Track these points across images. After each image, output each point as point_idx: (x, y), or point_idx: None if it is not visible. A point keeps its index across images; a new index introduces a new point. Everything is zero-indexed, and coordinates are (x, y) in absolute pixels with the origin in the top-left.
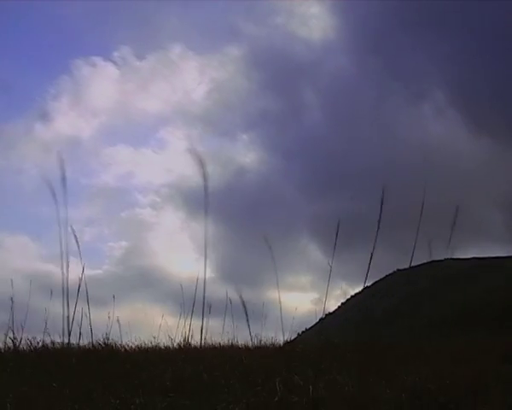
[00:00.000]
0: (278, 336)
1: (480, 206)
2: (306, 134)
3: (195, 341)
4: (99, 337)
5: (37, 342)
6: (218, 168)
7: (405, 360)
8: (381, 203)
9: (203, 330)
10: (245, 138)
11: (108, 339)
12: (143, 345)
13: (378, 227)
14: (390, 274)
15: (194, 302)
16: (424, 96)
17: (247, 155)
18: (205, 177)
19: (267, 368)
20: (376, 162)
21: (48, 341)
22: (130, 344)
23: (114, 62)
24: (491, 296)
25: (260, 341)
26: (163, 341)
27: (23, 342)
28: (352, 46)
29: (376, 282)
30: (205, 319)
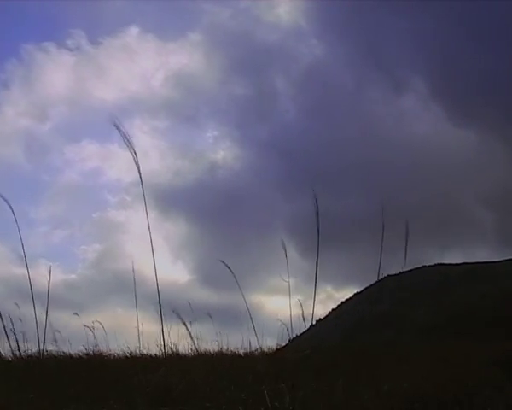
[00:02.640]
0: (265, 342)
1: (469, 206)
2: (280, 127)
3: (182, 347)
4: (81, 345)
5: (23, 351)
6: (187, 164)
7: (395, 365)
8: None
9: (189, 337)
10: (215, 132)
11: (95, 346)
12: (129, 353)
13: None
14: (380, 280)
15: (176, 308)
16: (405, 86)
17: (217, 149)
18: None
19: (255, 377)
20: (356, 159)
21: (30, 349)
22: (116, 352)
23: (68, 49)
24: (481, 302)
25: (246, 348)
26: (149, 348)
27: (7, 350)
28: (326, 31)
29: (367, 287)
30: (189, 325)
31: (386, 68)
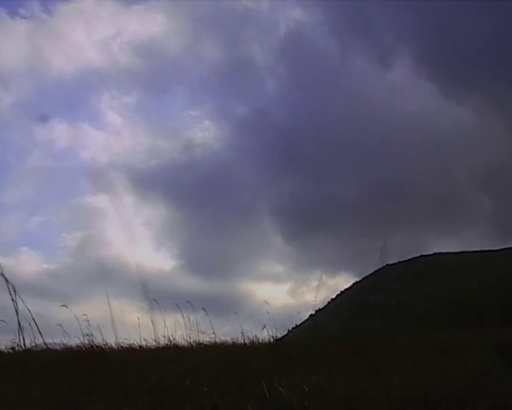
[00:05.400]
0: (259, 331)
1: (465, 189)
2: (260, 102)
3: (178, 338)
4: (74, 336)
5: (17, 344)
6: (161, 143)
7: (395, 356)
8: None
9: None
10: (189, 108)
11: (93, 339)
12: (125, 345)
13: None
14: (379, 269)
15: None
16: (394, 56)
17: (193, 126)
18: None
19: (256, 368)
20: (345, 138)
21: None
22: (112, 343)
23: (23, 17)
24: (479, 290)
25: (244, 338)
26: (144, 340)
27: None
28: None
29: (366, 277)
30: (183, 314)
31: (373, 36)
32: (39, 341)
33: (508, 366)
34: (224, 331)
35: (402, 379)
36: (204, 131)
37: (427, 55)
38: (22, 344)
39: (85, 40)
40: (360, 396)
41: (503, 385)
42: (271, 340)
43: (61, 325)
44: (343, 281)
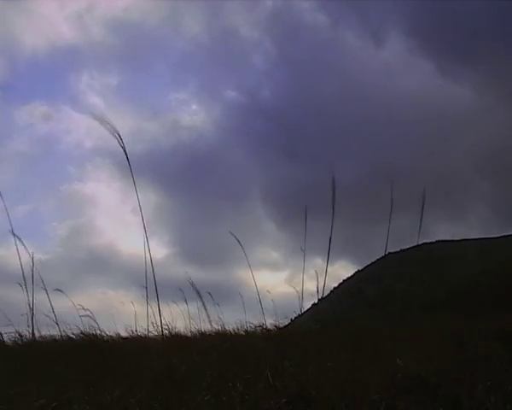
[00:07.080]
0: (260, 320)
1: (464, 174)
2: (249, 82)
3: (179, 327)
4: (72, 328)
5: (21, 335)
6: (146, 125)
7: (397, 342)
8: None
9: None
10: (173, 90)
11: (94, 330)
12: (126, 335)
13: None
14: (381, 257)
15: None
16: (385, 30)
17: (180, 109)
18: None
19: (258, 355)
20: (338, 119)
21: (30, 333)
22: (113, 333)
23: None
24: (481, 278)
25: (246, 326)
26: (144, 329)
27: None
28: None
29: (368, 265)
30: (181, 303)
31: (365, 9)
32: (43, 332)
33: (507, 352)
34: (223, 320)
35: (403, 365)
36: (192, 115)
37: (422, 30)
38: (31, 335)
39: (59, 15)
40: (361, 382)
41: (502, 369)
42: (274, 328)
43: (60, 320)
44: (341, 268)
